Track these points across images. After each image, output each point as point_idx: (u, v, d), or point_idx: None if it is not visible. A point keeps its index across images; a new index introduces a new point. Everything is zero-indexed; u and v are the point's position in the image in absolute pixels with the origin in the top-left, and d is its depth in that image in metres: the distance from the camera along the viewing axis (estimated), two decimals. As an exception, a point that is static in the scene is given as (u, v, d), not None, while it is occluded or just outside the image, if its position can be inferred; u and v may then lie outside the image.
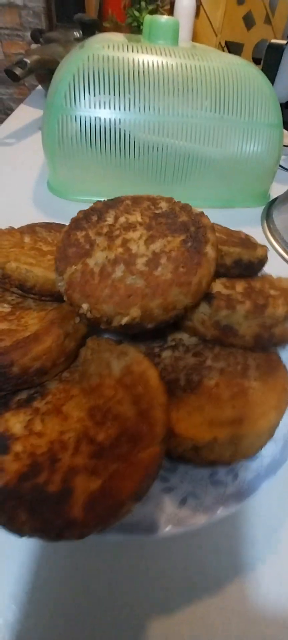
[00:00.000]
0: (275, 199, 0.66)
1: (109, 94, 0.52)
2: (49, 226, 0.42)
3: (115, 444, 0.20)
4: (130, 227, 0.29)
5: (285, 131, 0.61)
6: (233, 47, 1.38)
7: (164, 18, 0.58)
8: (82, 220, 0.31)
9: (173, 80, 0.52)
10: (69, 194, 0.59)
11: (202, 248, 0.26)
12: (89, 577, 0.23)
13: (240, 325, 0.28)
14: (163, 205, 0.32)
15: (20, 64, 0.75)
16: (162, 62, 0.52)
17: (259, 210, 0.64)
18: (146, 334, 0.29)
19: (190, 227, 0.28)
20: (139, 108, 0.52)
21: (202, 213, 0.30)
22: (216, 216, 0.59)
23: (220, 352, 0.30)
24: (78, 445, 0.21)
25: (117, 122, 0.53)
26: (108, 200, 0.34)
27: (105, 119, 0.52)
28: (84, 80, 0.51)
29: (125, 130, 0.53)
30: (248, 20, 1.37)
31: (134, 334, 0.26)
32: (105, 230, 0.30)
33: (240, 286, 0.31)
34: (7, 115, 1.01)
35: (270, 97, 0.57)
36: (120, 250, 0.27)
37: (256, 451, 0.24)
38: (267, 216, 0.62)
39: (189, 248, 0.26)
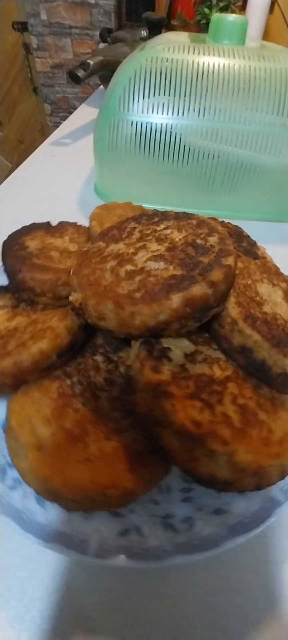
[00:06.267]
0: None
1: (166, 97, 0.50)
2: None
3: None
4: (142, 248, 0.27)
5: None
6: (311, 44, 1.25)
7: (232, 17, 0.54)
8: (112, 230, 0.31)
9: (232, 83, 0.48)
10: (114, 199, 0.59)
11: (172, 293, 0.22)
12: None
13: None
14: (207, 234, 0.27)
15: (84, 65, 0.76)
16: (224, 64, 0.49)
17: None
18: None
19: (197, 269, 0.24)
20: (195, 112, 0.50)
21: (229, 266, 0.24)
22: (266, 231, 0.55)
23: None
24: None
25: (171, 127, 0.51)
26: (157, 210, 0.32)
27: (156, 123, 0.51)
28: (139, 84, 0.50)
29: (180, 136, 0.51)
30: None
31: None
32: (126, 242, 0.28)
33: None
34: (71, 114, 1.04)
35: None
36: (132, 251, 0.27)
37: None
38: None
39: (171, 284, 0.23)
